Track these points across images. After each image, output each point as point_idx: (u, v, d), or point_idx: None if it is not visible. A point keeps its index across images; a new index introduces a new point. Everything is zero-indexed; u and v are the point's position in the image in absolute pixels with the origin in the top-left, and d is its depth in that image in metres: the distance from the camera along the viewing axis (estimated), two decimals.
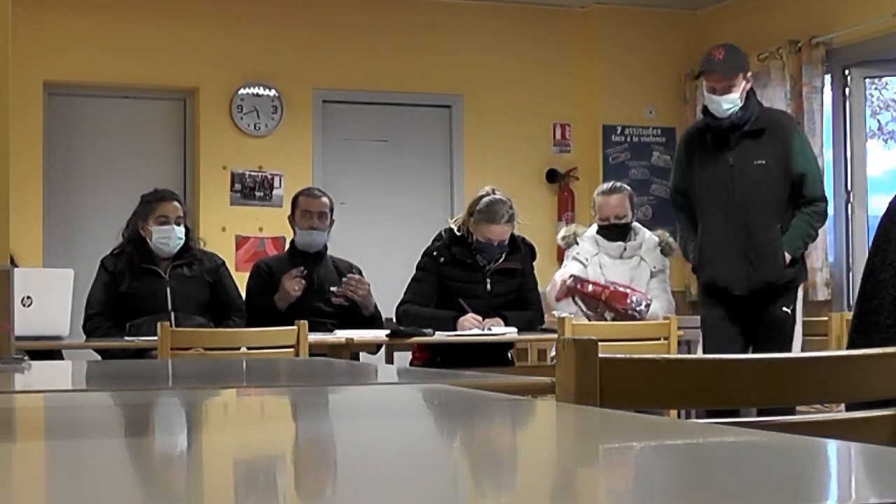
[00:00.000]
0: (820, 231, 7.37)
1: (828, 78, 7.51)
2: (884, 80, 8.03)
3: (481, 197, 5.53)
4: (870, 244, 2.21)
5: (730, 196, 5.15)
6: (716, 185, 5.19)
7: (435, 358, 5.52)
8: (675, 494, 0.95)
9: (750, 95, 5.20)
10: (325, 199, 5.71)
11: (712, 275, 5.21)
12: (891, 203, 2.19)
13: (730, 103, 5.13)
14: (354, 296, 5.53)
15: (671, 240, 5.84)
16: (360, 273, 5.73)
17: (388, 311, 5.79)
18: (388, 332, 5.26)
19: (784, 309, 5.13)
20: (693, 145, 5.33)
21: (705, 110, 5.24)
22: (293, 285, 5.48)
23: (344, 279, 5.56)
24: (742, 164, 5.14)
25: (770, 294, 5.12)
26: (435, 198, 8.37)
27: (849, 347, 2.14)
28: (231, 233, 7.98)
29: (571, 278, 5.67)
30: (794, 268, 5.16)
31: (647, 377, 1.64)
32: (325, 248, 5.72)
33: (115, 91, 7.96)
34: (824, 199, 5.23)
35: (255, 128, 8.11)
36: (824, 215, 5.27)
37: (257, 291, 5.62)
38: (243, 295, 5.66)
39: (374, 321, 5.60)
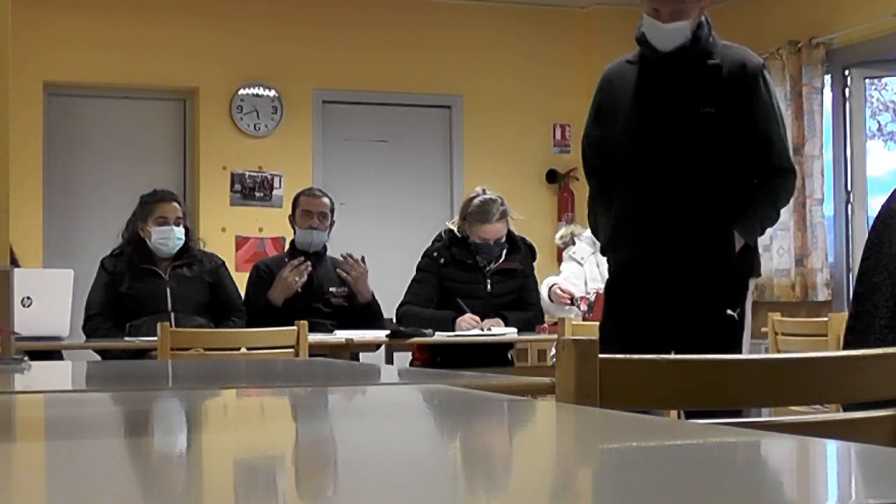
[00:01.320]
0: (819, 229, 7.50)
1: (828, 78, 7.51)
2: (884, 80, 8.03)
3: (472, 198, 5.55)
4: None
5: (663, 153, 3.82)
6: (644, 139, 3.85)
7: (435, 358, 5.52)
8: (675, 495, 0.95)
9: (703, 25, 3.88)
10: (325, 200, 5.72)
11: (630, 257, 3.87)
12: (883, 206, 2.20)
13: (677, 34, 3.82)
14: (348, 276, 5.54)
15: None
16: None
17: (388, 311, 5.79)
18: (387, 332, 5.26)
19: (729, 312, 3.76)
20: (618, 84, 3.97)
21: (642, 39, 3.90)
22: (294, 276, 5.48)
23: (342, 255, 5.57)
24: (683, 112, 3.81)
25: (711, 290, 3.79)
26: (435, 198, 8.37)
27: (844, 349, 2.14)
28: (231, 233, 7.98)
29: (549, 289, 5.70)
30: (745, 258, 3.85)
31: (647, 377, 1.64)
32: (325, 248, 5.73)
33: (115, 91, 7.96)
34: (793, 172, 3.90)
35: (254, 128, 8.11)
36: (791, 191, 3.93)
37: (257, 292, 5.62)
38: (243, 295, 5.66)
39: (371, 311, 5.59)
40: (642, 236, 3.82)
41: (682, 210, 3.79)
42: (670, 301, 3.79)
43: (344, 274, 5.57)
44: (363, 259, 5.70)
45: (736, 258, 3.78)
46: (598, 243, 4.36)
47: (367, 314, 5.59)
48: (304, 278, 5.49)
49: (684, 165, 3.81)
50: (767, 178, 3.84)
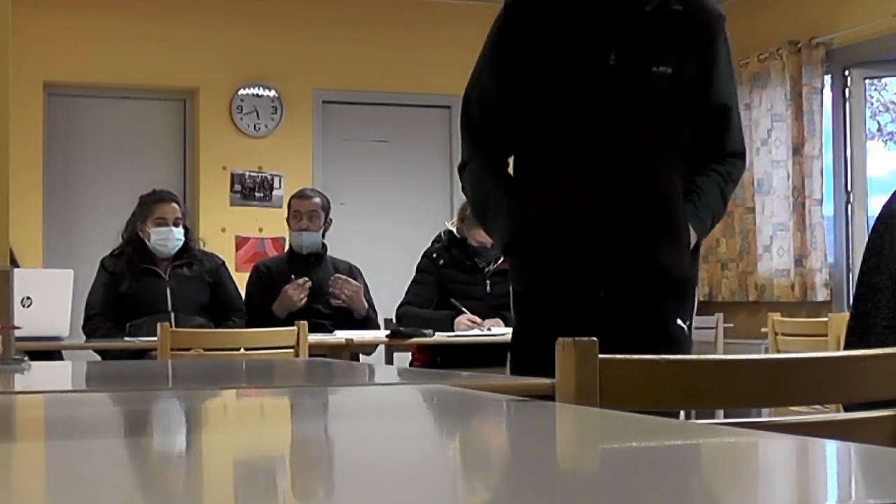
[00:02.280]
0: (819, 229, 7.50)
1: (828, 79, 7.51)
2: (884, 80, 8.03)
3: None
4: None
5: (604, 123, 2.91)
6: (579, 104, 2.91)
7: (435, 359, 5.53)
8: (675, 495, 0.95)
9: None
10: (316, 200, 5.72)
11: (554, 257, 2.94)
12: (884, 206, 2.20)
13: None
14: (341, 295, 5.54)
15: None
16: (360, 274, 5.74)
17: (388, 311, 5.79)
18: (387, 332, 5.27)
19: (679, 322, 2.98)
20: (538, 14, 2.97)
21: None
22: (298, 293, 5.47)
23: (331, 278, 5.56)
24: (632, 70, 2.91)
25: (655, 296, 2.97)
26: (435, 198, 8.37)
27: (845, 350, 2.14)
28: (231, 233, 7.98)
29: None
30: (694, 260, 3.06)
31: (647, 377, 1.64)
32: (325, 248, 5.73)
33: (115, 91, 7.96)
34: (744, 157, 3.10)
35: (254, 128, 8.11)
36: (738, 180, 3.10)
37: (257, 293, 5.63)
38: (243, 295, 5.67)
39: (368, 323, 5.60)
40: (577, 235, 2.89)
41: (629, 201, 2.92)
42: (609, 313, 2.90)
43: (339, 294, 5.55)
44: (359, 271, 5.70)
45: (689, 260, 3.00)
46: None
47: (364, 326, 5.59)
48: (306, 297, 5.49)
49: (633, 138, 2.92)
50: (718, 161, 3.01)
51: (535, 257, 2.96)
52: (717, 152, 3.01)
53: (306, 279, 5.52)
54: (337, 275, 5.58)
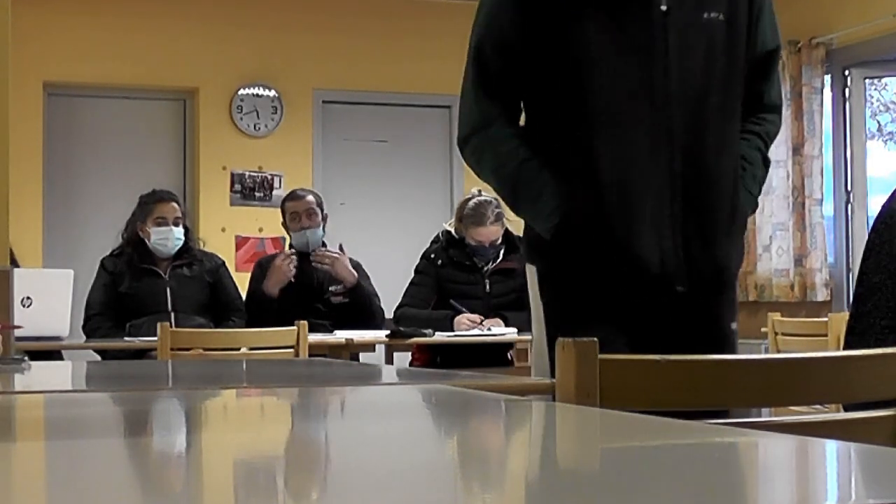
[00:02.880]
0: (818, 229, 7.51)
1: (828, 78, 7.51)
2: (883, 80, 8.03)
3: (467, 200, 5.56)
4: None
5: (659, 83, 2.48)
6: (630, 61, 2.47)
7: (435, 359, 5.53)
8: (675, 495, 0.95)
9: None
10: (309, 198, 5.73)
11: (623, 246, 2.47)
12: (884, 206, 2.20)
13: None
14: (323, 265, 5.56)
15: None
16: (361, 268, 5.74)
17: (387, 311, 5.79)
18: (387, 332, 5.27)
19: (733, 324, 2.65)
20: None
21: None
22: (287, 263, 5.50)
23: (312, 252, 5.59)
24: (684, 19, 2.50)
25: (715, 291, 2.59)
26: (435, 198, 8.37)
27: (844, 349, 2.14)
28: (231, 233, 7.98)
29: None
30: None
31: (647, 377, 1.64)
32: (325, 245, 5.73)
33: (115, 91, 7.96)
34: (780, 111, 2.75)
35: (254, 128, 8.11)
36: (774, 139, 2.73)
37: (260, 288, 5.64)
38: (243, 295, 5.67)
39: (365, 300, 5.58)
40: (642, 220, 2.47)
41: (698, 180, 2.49)
42: (683, 311, 2.52)
43: (322, 266, 5.58)
44: (360, 266, 5.72)
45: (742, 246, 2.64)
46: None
47: (366, 308, 5.58)
48: (295, 267, 5.52)
49: (693, 106, 2.50)
50: (756, 119, 2.66)
51: (597, 245, 2.47)
52: (755, 107, 2.65)
53: (293, 250, 5.57)
54: (317, 249, 5.61)
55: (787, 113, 7.48)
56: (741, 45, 2.56)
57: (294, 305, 5.44)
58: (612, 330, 2.36)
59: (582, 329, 1.82)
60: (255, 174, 8.09)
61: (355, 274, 5.61)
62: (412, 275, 5.65)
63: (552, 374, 1.45)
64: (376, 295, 5.73)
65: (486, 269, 5.55)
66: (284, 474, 1.12)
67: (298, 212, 5.67)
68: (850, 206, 7.47)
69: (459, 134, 2.63)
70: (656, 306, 2.49)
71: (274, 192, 8.04)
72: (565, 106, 2.49)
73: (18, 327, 3.07)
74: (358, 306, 5.60)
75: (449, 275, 5.54)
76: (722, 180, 2.52)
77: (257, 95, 8.11)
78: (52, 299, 4.96)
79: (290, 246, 5.79)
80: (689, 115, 2.48)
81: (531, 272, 2.59)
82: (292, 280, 5.53)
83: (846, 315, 2.23)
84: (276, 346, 4.72)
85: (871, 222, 2.22)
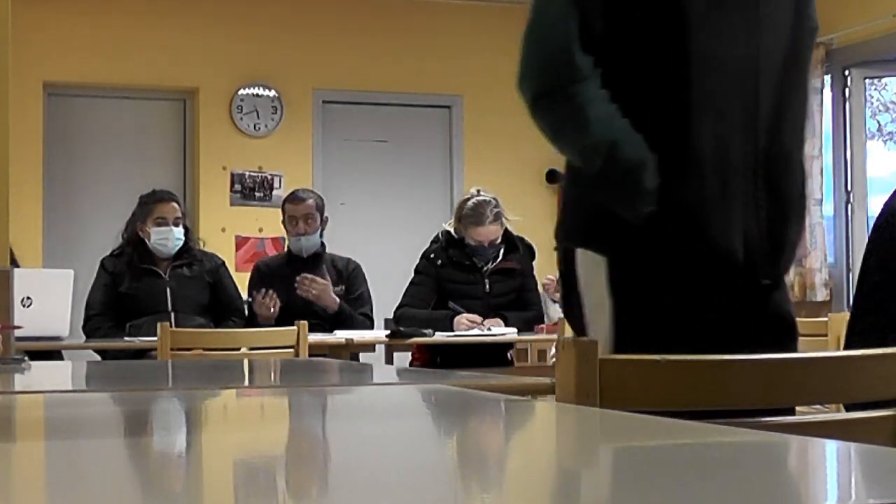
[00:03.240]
0: (818, 229, 7.50)
1: (828, 78, 7.51)
2: (884, 80, 8.03)
3: (466, 200, 5.56)
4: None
5: (750, 56, 2.28)
6: (727, 32, 2.26)
7: (435, 359, 5.53)
8: (675, 495, 0.95)
9: None
10: (309, 202, 5.69)
11: (717, 241, 2.26)
12: (885, 205, 2.20)
13: None
14: (309, 295, 5.49)
15: None
16: (359, 269, 5.73)
17: (388, 311, 5.79)
18: (387, 332, 5.27)
19: (788, 309, 2.41)
20: None
21: None
22: (267, 304, 5.42)
23: (297, 279, 5.51)
24: (784, 15, 2.33)
25: (779, 278, 2.40)
26: (435, 198, 8.37)
27: (845, 349, 2.13)
28: (231, 233, 7.98)
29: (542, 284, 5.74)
30: None
31: (647, 377, 1.64)
32: (324, 247, 5.71)
33: (115, 91, 7.96)
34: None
35: (254, 128, 8.11)
36: None
37: (258, 291, 5.63)
38: (243, 295, 5.66)
39: (343, 318, 5.52)
40: (727, 205, 2.25)
41: (785, 164, 2.32)
42: (768, 304, 2.34)
43: (305, 294, 5.50)
44: (359, 267, 5.68)
45: None
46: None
47: (345, 323, 5.52)
48: (276, 309, 5.44)
49: (781, 83, 2.30)
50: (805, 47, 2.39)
51: (690, 237, 2.25)
52: (800, 33, 2.41)
53: (272, 292, 5.46)
54: (303, 275, 5.53)
55: None
56: (805, 17, 2.37)
57: (294, 306, 5.43)
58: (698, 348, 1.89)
59: (666, 345, 1.71)
60: (255, 174, 8.09)
61: (337, 301, 5.55)
62: (412, 275, 5.65)
63: None
64: (369, 302, 5.70)
65: (485, 268, 5.55)
66: (284, 474, 1.12)
67: (296, 216, 5.65)
68: (849, 206, 7.47)
69: (536, 88, 2.45)
70: (741, 308, 2.30)
71: (274, 192, 8.04)
72: (660, 73, 2.26)
73: (18, 327, 3.07)
74: (340, 324, 5.55)
75: (449, 275, 5.53)
76: (800, 168, 2.36)
77: (257, 95, 8.11)
78: (52, 299, 4.97)
79: (289, 248, 5.78)
80: (780, 93, 2.29)
81: (590, 261, 2.34)
82: (280, 303, 5.46)
83: (846, 315, 2.23)
84: (276, 346, 4.72)
85: (871, 222, 2.22)
